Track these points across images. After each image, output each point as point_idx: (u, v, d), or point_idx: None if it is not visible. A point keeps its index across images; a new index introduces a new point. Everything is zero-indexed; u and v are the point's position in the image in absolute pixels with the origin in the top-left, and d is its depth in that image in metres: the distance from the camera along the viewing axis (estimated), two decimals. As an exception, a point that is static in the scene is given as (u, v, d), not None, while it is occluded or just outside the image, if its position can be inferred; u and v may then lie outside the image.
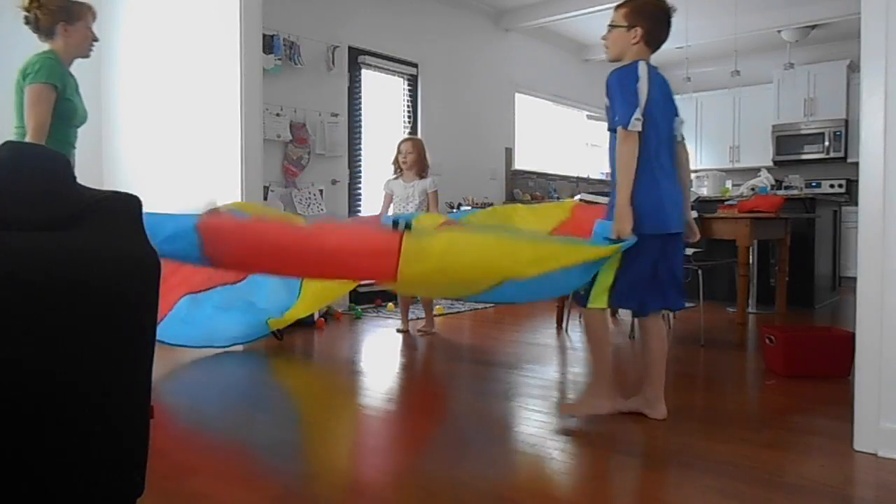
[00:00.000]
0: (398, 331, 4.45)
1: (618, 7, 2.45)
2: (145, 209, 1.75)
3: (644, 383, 2.51)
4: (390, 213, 4.33)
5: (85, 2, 2.69)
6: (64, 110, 2.64)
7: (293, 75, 5.16)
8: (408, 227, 2.41)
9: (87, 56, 2.69)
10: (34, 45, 2.62)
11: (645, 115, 2.27)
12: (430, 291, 3.21)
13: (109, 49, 4.82)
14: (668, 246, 2.39)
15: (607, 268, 2.37)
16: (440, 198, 4.50)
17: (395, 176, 4.39)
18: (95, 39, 2.72)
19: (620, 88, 2.33)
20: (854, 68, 7.62)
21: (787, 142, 8.12)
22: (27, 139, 2.41)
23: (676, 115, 2.45)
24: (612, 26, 2.46)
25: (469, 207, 6.35)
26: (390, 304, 5.51)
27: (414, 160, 4.27)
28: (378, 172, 5.66)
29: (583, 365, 3.49)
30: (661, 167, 2.35)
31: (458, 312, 5.46)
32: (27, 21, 2.59)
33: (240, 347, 3.71)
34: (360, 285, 5.69)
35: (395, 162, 4.37)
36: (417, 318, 4.66)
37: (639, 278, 2.38)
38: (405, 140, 4.43)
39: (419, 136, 6.28)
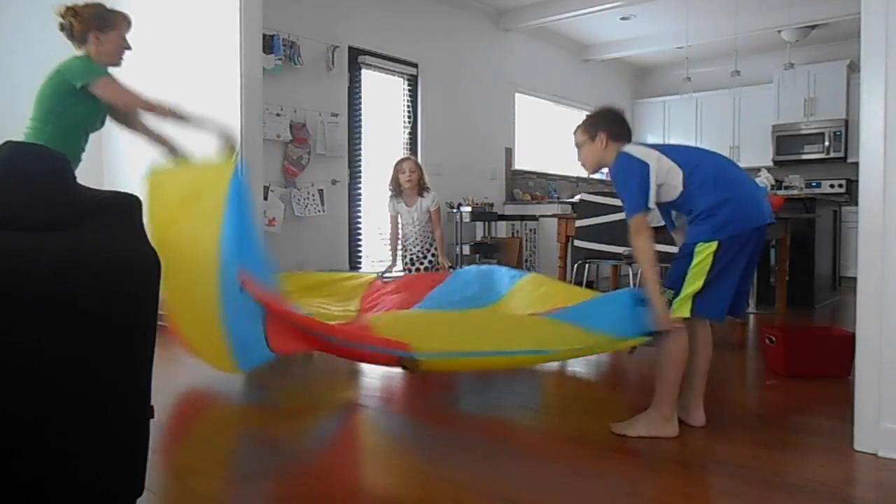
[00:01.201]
0: None
1: (574, 132, 2.51)
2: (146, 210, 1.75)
3: (684, 389, 2.37)
4: (400, 246, 4.45)
5: (120, 11, 2.72)
6: (86, 114, 2.67)
7: (293, 75, 5.16)
8: (410, 367, 2.40)
9: (117, 65, 2.72)
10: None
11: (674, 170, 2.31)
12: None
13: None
14: (758, 243, 2.31)
15: (697, 272, 2.22)
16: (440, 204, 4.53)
17: (393, 195, 4.36)
18: (128, 48, 2.75)
19: (625, 178, 2.34)
20: (854, 68, 7.62)
21: (787, 142, 8.12)
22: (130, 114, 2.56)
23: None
24: (578, 147, 2.50)
25: (469, 208, 6.35)
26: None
27: (417, 179, 4.27)
28: (378, 172, 5.66)
29: (584, 365, 3.48)
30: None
31: (458, 312, 5.46)
32: (62, 28, 2.63)
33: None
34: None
35: (394, 182, 4.31)
36: None
37: (735, 282, 2.26)
38: (407, 160, 4.39)
39: (419, 135, 6.29)
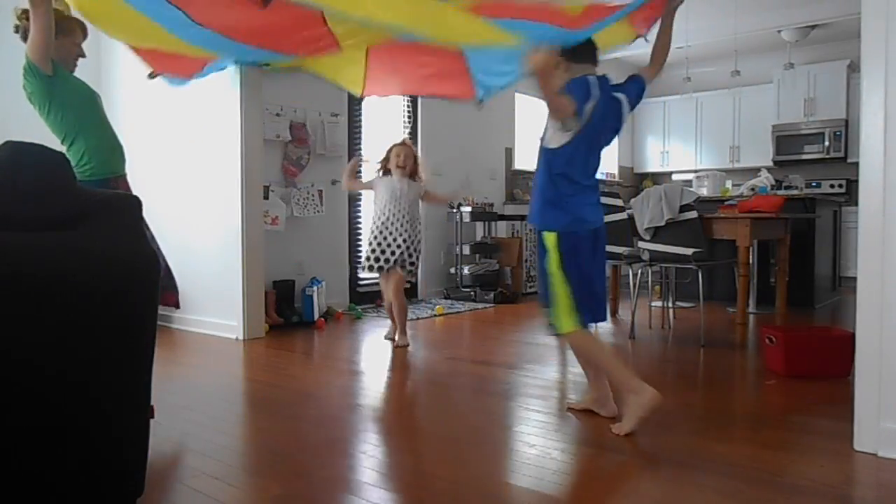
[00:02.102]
0: (386, 338, 4.25)
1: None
2: (145, 210, 1.76)
3: (589, 385, 2.60)
4: (372, 222, 4.03)
5: (75, 18, 2.70)
6: (74, 93, 2.66)
7: (293, 75, 5.14)
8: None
9: (71, 70, 2.71)
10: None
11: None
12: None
13: (109, 49, 4.82)
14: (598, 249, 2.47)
15: (558, 292, 2.39)
16: (434, 209, 4.31)
17: (379, 174, 4.07)
18: (81, 55, 2.74)
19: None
20: (854, 68, 7.62)
21: (787, 142, 8.12)
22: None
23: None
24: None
25: (469, 208, 6.35)
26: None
27: (412, 165, 4.00)
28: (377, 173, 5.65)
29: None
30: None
31: (458, 313, 5.47)
32: (16, 29, 2.64)
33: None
34: (359, 285, 5.70)
35: (385, 163, 4.04)
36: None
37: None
38: (402, 144, 4.09)
39: (419, 135, 6.28)
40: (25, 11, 2.56)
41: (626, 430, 2.30)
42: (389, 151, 4.04)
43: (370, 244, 3.95)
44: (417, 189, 4.02)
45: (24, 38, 2.60)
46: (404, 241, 3.91)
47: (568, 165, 2.38)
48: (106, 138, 2.72)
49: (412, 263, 3.95)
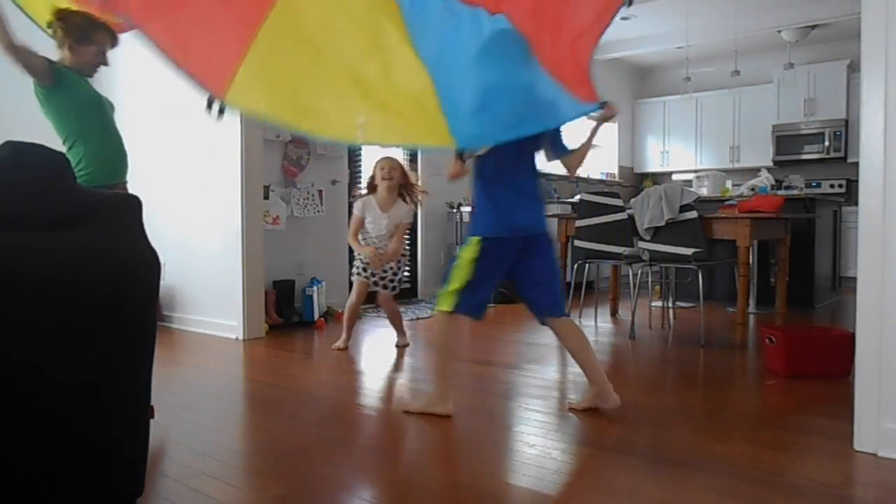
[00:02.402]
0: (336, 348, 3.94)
1: None
2: (145, 210, 1.75)
3: (588, 382, 2.62)
4: (361, 239, 3.89)
5: (105, 26, 2.72)
6: (76, 99, 2.70)
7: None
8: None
9: (89, 75, 2.77)
10: (47, 47, 2.64)
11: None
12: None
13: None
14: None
15: (455, 275, 2.48)
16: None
17: (367, 193, 3.90)
18: (103, 63, 2.79)
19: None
20: (854, 68, 7.62)
21: (787, 142, 8.12)
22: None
23: None
24: None
25: (470, 208, 6.33)
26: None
27: (399, 177, 3.82)
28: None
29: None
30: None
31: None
32: (48, 26, 2.68)
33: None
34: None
35: (371, 180, 3.87)
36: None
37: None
38: (387, 158, 3.90)
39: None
40: (60, 12, 2.63)
41: (406, 409, 2.63)
42: (375, 166, 3.90)
43: (358, 257, 3.92)
44: (399, 217, 3.85)
45: (54, 38, 2.67)
46: (389, 268, 3.92)
47: (496, 169, 2.49)
48: (108, 145, 2.73)
49: (395, 283, 3.96)
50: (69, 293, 1.46)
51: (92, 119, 2.71)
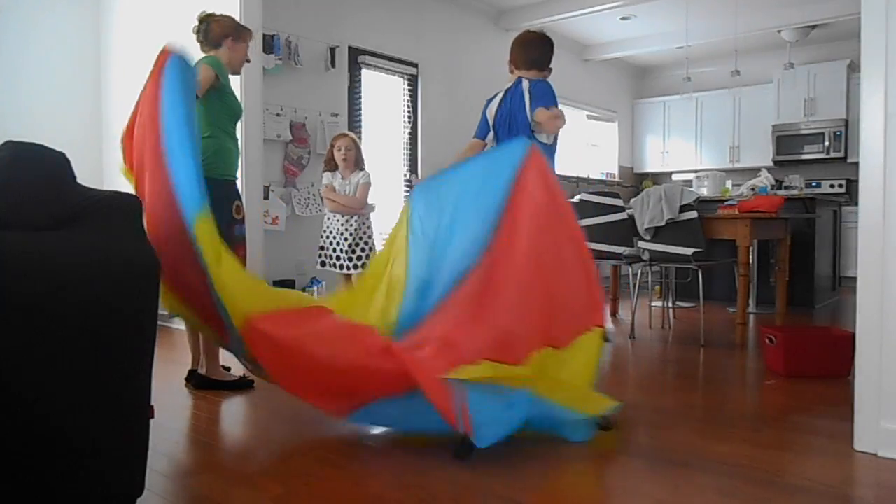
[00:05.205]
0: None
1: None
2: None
3: None
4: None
5: (249, 28, 3.07)
6: (228, 105, 2.95)
7: (293, 75, 5.16)
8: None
9: (237, 73, 3.07)
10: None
11: None
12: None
13: (109, 48, 4.82)
14: None
15: None
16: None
17: (326, 169, 4.16)
18: (248, 60, 3.09)
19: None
20: (854, 68, 7.62)
21: (787, 142, 8.12)
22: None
23: None
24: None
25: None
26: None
27: (353, 158, 4.08)
28: (378, 173, 5.64)
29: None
30: None
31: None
32: (196, 30, 2.93)
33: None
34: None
35: (330, 158, 4.12)
36: None
37: None
38: (343, 136, 4.16)
39: (419, 135, 6.28)
40: (211, 14, 2.93)
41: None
42: (330, 146, 4.16)
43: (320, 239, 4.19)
44: (358, 179, 4.07)
45: (204, 38, 2.94)
46: (344, 240, 4.11)
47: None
48: (236, 143, 3.05)
49: (354, 260, 4.11)
50: (68, 293, 1.46)
51: (232, 117, 2.99)
